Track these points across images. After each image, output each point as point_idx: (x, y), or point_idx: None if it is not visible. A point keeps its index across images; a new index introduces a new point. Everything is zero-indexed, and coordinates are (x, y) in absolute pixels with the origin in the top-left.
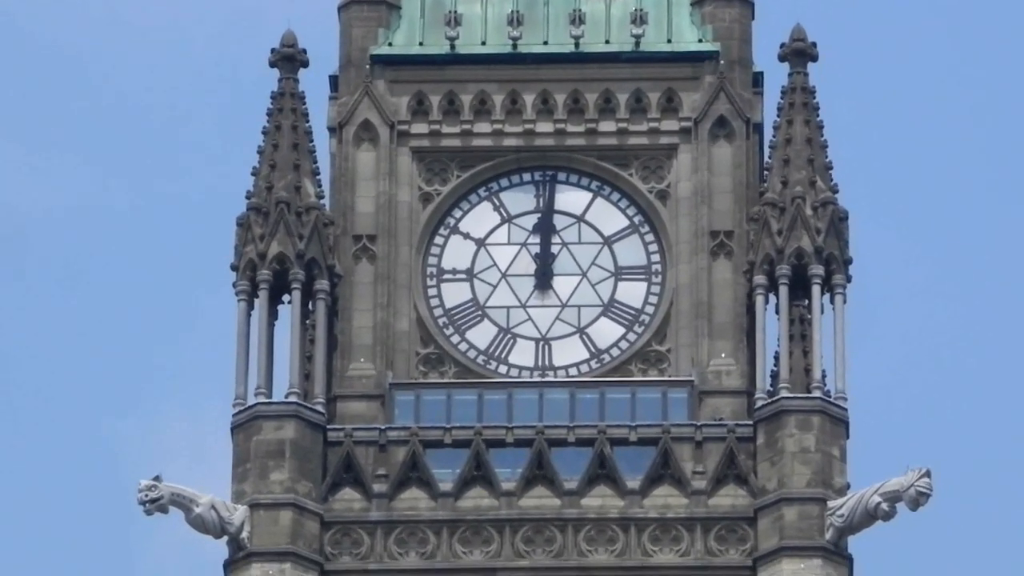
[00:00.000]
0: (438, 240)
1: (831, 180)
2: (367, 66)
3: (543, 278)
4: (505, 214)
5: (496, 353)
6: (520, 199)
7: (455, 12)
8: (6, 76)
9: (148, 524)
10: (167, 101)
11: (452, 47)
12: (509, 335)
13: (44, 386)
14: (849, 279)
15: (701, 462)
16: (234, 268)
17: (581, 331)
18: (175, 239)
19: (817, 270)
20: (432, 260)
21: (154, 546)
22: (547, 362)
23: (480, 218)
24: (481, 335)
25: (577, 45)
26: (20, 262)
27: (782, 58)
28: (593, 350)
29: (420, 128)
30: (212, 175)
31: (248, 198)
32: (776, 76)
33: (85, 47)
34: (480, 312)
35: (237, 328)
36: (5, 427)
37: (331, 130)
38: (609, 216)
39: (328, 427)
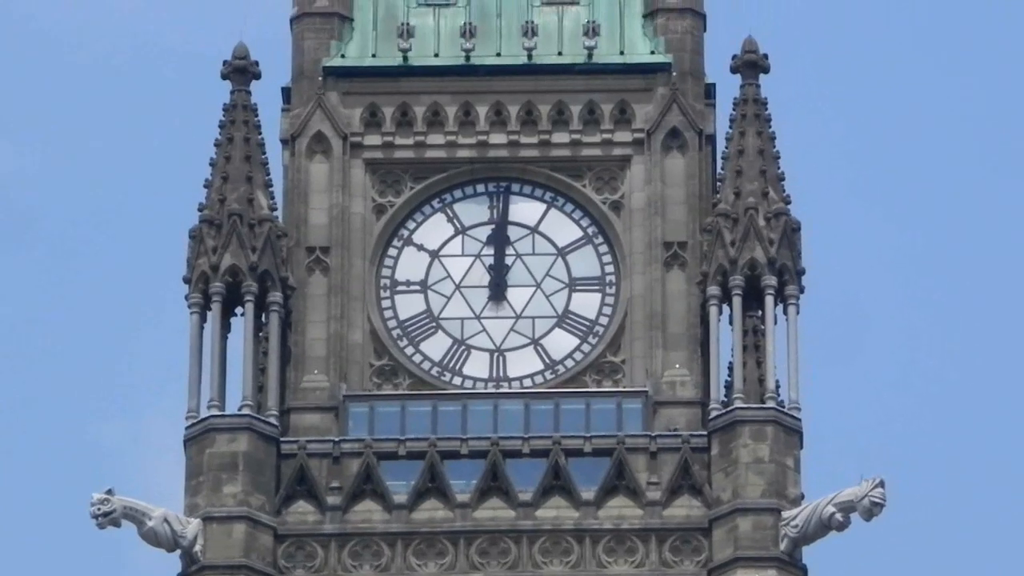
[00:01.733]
0: (391, 252)
1: (783, 191)
2: (319, 78)
3: (497, 289)
4: (459, 225)
5: (450, 364)
6: (474, 210)
7: (408, 24)
8: None
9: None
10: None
11: (405, 59)
12: (463, 346)
13: (26, 388)
14: (802, 290)
15: (656, 472)
16: (186, 280)
17: (535, 342)
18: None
19: (770, 281)
20: (386, 272)
21: (140, 551)
22: (501, 373)
23: (434, 229)
24: (435, 346)
25: (530, 57)
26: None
27: (734, 70)
28: (547, 361)
29: (373, 140)
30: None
31: (200, 210)
32: (728, 88)
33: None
34: (434, 323)
35: (190, 341)
36: None
37: (284, 142)
38: (563, 227)
39: (282, 439)
